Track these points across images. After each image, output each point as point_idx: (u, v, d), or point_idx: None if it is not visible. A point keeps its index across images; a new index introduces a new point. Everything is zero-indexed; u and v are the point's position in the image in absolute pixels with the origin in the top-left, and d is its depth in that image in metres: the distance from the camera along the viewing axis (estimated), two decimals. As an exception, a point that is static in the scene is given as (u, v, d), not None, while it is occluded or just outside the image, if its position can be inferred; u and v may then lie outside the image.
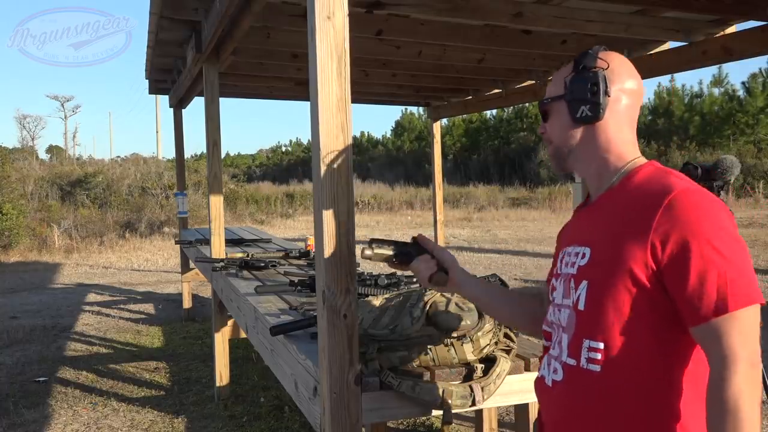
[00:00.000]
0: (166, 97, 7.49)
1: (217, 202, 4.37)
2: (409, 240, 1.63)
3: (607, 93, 1.28)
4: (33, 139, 44.05)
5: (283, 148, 42.77)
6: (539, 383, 1.36)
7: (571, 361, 1.25)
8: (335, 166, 1.70)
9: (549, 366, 1.32)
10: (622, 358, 1.18)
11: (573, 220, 1.42)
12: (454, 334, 1.88)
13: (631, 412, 1.18)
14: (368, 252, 1.60)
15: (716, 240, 1.11)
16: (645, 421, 1.18)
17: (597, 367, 1.20)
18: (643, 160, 1.30)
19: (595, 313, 1.21)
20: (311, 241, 4.97)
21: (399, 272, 2.46)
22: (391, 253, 1.61)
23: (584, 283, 1.24)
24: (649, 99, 25.33)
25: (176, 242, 7.10)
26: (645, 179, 1.24)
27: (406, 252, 1.60)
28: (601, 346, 1.20)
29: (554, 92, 1.35)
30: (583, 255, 1.26)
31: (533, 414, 2.05)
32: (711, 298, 1.10)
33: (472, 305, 1.91)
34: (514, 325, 1.82)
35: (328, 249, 1.72)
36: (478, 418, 3.18)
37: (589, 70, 1.29)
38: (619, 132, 1.31)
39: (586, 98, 1.28)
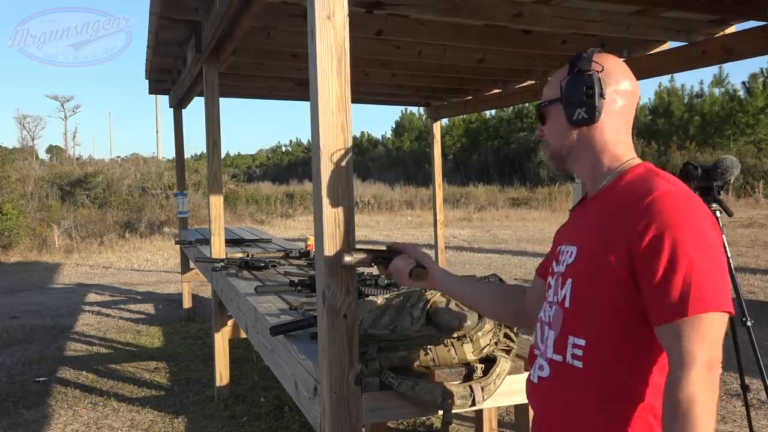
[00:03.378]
0: (166, 97, 7.49)
1: (217, 202, 4.37)
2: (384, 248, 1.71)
3: (602, 95, 1.30)
4: (33, 139, 44.04)
5: (283, 148, 42.80)
6: (527, 384, 1.41)
7: (558, 357, 1.28)
8: (335, 166, 1.70)
9: (536, 363, 1.36)
10: (601, 354, 1.21)
11: (568, 219, 1.44)
12: (454, 334, 1.88)
13: (608, 406, 1.21)
14: (348, 258, 1.66)
15: (689, 243, 1.12)
16: (621, 415, 1.20)
17: (579, 363, 1.24)
18: (637, 161, 1.32)
19: (578, 310, 1.25)
20: (311, 241, 4.97)
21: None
22: (368, 257, 1.67)
23: (569, 281, 1.27)
24: (649, 99, 25.36)
25: (176, 242, 7.10)
26: (633, 180, 1.26)
27: (384, 255, 1.66)
28: (583, 342, 1.23)
29: (551, 95, 1.38)
30: (571, 254, 1.30)
31: (533, 414, 2.05)
32: (674, 300, 1.11)
33: (472, 305, 1.91)
34: (497, 320, 1.86)
35: (328, 249, 1.71)
36: (478, 418, 3.17)
37: (584, 73, 1.31)
38: (615, 133, 1.33)
39: (582, 101, 1.30)
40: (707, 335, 1.10)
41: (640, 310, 1.18)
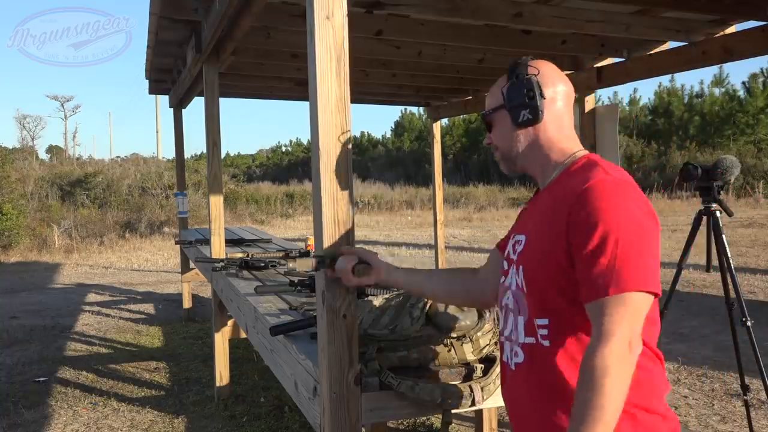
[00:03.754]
0: (166, 97, 7.49)
1: (217, 202, 4.37)
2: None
3: (542, 95, 1.40)
4: (33, 139, 44.05)
5: (283, 148, 42.78)
6: (503, 369, 1.46)
7: (530, 340, 1.34)
8: (335, 166, 1.70)
9: (510, 351, 1.41)
10: (561, 331, 1.29)
11: (522, 211, 1.53)
12: (454, 334, 1.88)
13: (571, 380, 1.25)
14: (292, 265, 1.74)
15: (617, 227, 1.19)
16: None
17: (547, 342, 1.31)
18: (582, 153, 1.40)
19: (534, 293, 1.32)
20: (311, 241, 4.96)
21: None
22: (313, 260, 1.70)
23: (521, 267, 1.36)
24: (649, 99, 25.45)
25: (176, 242, 7.10)
26: (575, 171, 1.34)
27: (329, 259, 1.69)
28: (547, 321, 1.31)
29: (494, 103, 1.47)
30: (520, 242, 1.39)
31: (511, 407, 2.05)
32: (599, 280, 1.19)
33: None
34: (451, 303, 1.87)
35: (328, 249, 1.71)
36: (478, 418, 3.17)
37: (523, 78, 1.41)
38: (558, 130, 1.42)
39: (524, 103, 1.40)
40: (626, 313, 1.16)
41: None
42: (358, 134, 35.69)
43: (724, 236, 3.22)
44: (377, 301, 2.04)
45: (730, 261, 3.23)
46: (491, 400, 1.89)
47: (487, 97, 1.52)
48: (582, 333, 1.27)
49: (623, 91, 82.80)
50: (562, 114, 1.43)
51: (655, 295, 1.21)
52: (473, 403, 1.83)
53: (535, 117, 1.39)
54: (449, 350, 1.88)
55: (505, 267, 1.45)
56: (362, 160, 32.08)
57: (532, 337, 1.33)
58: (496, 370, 1.88)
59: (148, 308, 7.89)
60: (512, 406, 1.43)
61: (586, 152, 1.41)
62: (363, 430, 1.84)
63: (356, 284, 1.70)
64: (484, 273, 1.64)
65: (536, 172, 1.45)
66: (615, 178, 1.25)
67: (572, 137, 1.43)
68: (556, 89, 1.42)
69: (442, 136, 11.58)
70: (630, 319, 1.16)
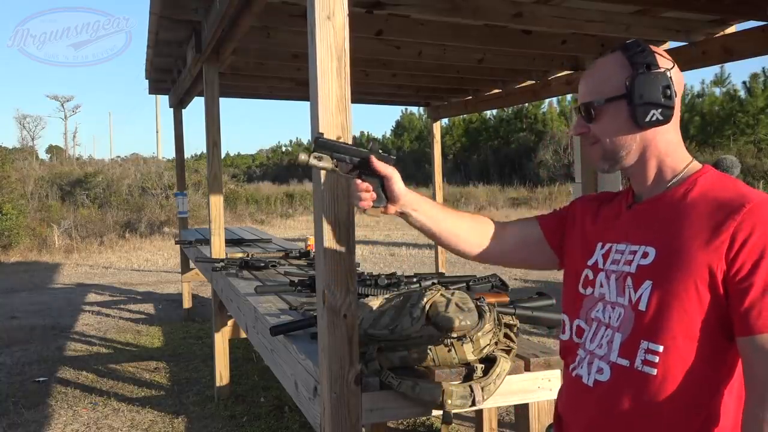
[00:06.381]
0: (166, 97, 7.49)
1: (217, 202, 4.37)
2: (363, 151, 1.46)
3: (676, 95, 1.23)
4: (33, 139, 43.98)
5: (283, 148, 42.78)
6: (575, 383, 1.31)
7: (624, 362, 1.21)
8: (335, 166, 1.70)
9: (590, 365, 1.27)
10: (680, 363, 1.16)
11: (611, 214, 1.37)
12: (454, 334, 1.88)
13: (679, 419, 1.17)
14: (303, 157, 1.45)
15: None
16: (689, 425, 1.17)
17: (653, 370, 1.17)
18: (698, 164, 1.28)
19: (659, 314, 1.18)
20: (311, 241, 4.97)
21: (398, 272, 2.43)
22: (332, 166, 1.46)
23: (648, 283, 1.20)
24: (649, 99, 25.32)
25: (176, 242, 7.10)
26: (713, 185, 1.22)
27: (362, 170, 1.44)
28: (661, 349, 1.17)
29: (608, 92, 1.26)
30: (645, 254, 1.22)
31: (533, 414, 2.04)
32: None
33: (472, 305, 1.91)
34: (457, 246, 1.55)
35: (328, 249, 1.71)
36: (478, 418, 3.18)
37: (657, 72, 1.23)
38: (676, 134, 1.28)
39: (659, 102, 1.22)
40: None
41: (725, 319, 1.14)
42: (358, 134, 35.71)
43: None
44: (377, 302, 2.04)
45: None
46: (491, 400, 1.89)
47: (589, 81, 1.31)
48: (704, 371, 1.16)
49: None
50: (678, 116, 1.27)
51: None
52: (473, 403, 1.83)
53: (666, 119, 1.23)
54: (449, 350, 1.88)
55: (591, 276, 1.32)
56: (362, 160, 32.05)
57: (627, 359, 1.20)
58: (497, 370, 1.88)
59: (148, 308, 7.89)
60: (575, 418, 1.33)
61: (698, 163, 1.28)
62: (363, 430, 1.84)
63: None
64: (512, 236, 1.51)
65: (644, 177, 1.29)
66: None
67: (682, 144, 1.29)
68: (682, 84, 1.27)
69: (442, 136, 11.57)
70: None
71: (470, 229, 1.52)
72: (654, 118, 1.23)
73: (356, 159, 1.45)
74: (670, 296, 1.16)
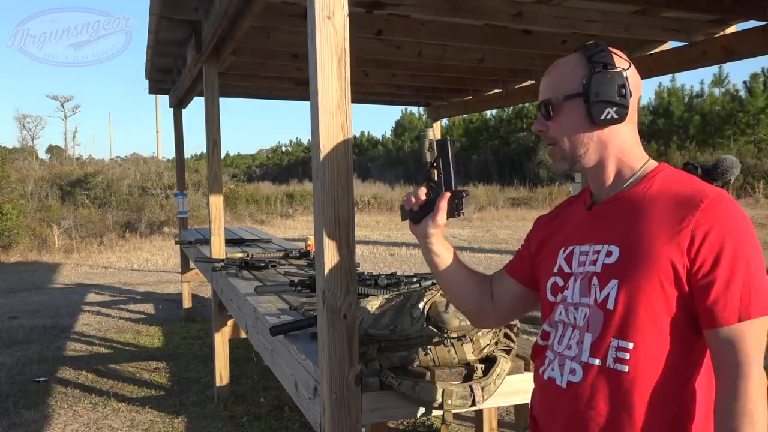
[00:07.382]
0: (166, 97, 7.49)
1: (217, 202, 4.37)
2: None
3: (631, 94, 1.25)
4: (33, 139, 44.01)
5: (283, 148, 42.80)
6: (548, 385, 1.31)
7: (595, 361, 1.22)
8: (335, 166, 1.70)
9: (562, 367, 1.27)
10: (651, 358, 1.18)
11: (571, 218, 1.38)
12: (454, 334, 1.88)
13: (652, 413, 1.18)
14: (431, 135, 1.54)
15: (746, 248, 1.14)
16: (665, 424, 1.18)
17: (625, 367, 1.19)
18: (654, 162, 1.30)
19: (627, 312, 1.19)
20: (311, 241, 4.97)
21: (398, 272, 2.45)
22: (428, 161, 1.54)
23: (614, 282, 1.21)
24: (649, 99, 25.35)
25: (176, 242, 7.10)
26: (671, 182, 1.24)
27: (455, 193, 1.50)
28: (631, 346, 1.18)
29: (565, 90, 1.28)
30: (609, 253, 1.23)
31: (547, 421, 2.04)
32: (735, 303, 1.11)
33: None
34: (455, 302, 1.65)
35: (328, 249, 1.71)
36: (478, 418, 3.18)
37: (614, 71, 1.24)
38: (633, 134, 1.30)
39: (614, 101, 1.23)
40: (758, 338, 1.11)
41: (691, 313, 1.17)
42: (358, 134, 35.71)
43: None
44: (377, 302, 2.04)
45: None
46: (491, 400, 1.89)
47: (548, 79, 1.33)
48: (675, 364, 1.18)
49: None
50: (635, 115, 1.29)
51: None
52: (473, 403, 1.83)
53: (621, 117, 1.24)
54: (449, 350, 1.88)
55: (560, 283, 1.32)
56: (362, 160, 32.08)
57: (599, 359, 1.21)
58: (497, 370, 1.88)
59: (148, 308, 7.89)
60: (550, 421, 1.32)
61: (654, 161, 1.30)
62: (363, 430, 1.84)
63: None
64: (497, 298, 1.53)
65: (603, 177, 1.30)
66: (727, 194, 1.19)
67: (639, 142, 1.30)
68: (639, 86, 1.28)
69: (442, 136, 11.56)
70: (762, 345, 1.12)
71: (471, 293, 1.55)
72: (609, 116, 1.24)
73: (441, 180, 1.52)
74: (636, 294, 1.18)
